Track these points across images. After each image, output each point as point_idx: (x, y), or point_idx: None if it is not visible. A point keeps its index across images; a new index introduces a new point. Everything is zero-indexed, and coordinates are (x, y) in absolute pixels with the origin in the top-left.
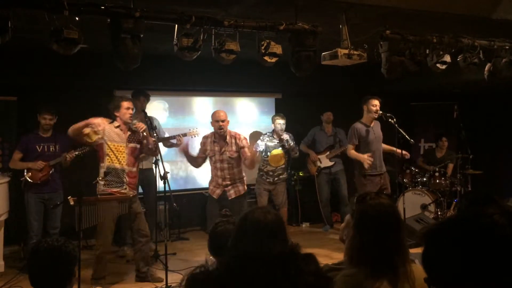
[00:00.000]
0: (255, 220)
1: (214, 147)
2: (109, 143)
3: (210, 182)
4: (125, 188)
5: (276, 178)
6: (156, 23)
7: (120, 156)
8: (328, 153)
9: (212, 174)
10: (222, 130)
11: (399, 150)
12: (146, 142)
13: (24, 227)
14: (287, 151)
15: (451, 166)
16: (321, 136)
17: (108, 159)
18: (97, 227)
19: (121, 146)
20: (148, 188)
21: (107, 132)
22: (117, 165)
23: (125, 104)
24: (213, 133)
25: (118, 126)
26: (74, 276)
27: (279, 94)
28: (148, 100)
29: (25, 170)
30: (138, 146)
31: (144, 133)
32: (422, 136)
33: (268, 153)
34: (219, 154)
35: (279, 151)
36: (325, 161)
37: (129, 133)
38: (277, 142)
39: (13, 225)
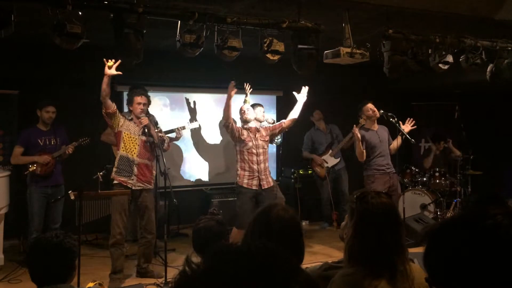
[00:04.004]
0: (279, 216)
1: (249, 133)
2: (125, 132)
3: (243, 176)
4: (133, 179)
5: None
6: (158, 19)
7: (132, 147)
8: (330, 151)
9: (245, 165)
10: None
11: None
12: (150, 137)
13: (24, 221)
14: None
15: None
16: (318, 136)
17: (122, 147)
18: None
19: (134, 138)
20: None
21: (126, 123)
22: (129, 155)
23: (137, 99)
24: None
25: (131, 119)
26: (74, 270)
27: (280, 92)
28: None
29: (28, 164)
30: (152, 139)
31: (145, 129)
32: (422, 136)
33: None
34: (255, 139)
35: None
36: (331, 160)
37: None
38: None
39: (13, 219)
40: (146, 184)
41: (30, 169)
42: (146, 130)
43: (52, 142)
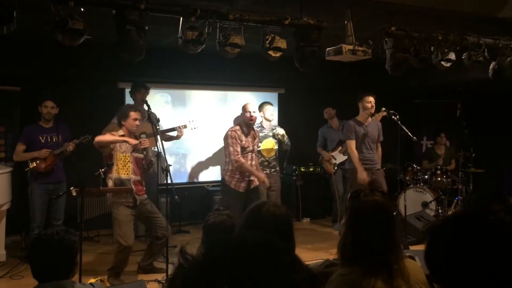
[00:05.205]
0: (270, 213)
1: (247, 138)
2: (118, 153)
3: (232, 176)
4: (133, 198)
5: (272, 170)
6: (160, 16)
7: (126, 166)
8: (340, 148)
9: (237, 169)
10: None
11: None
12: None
13: (26, 217)
14: (278, 141)
15: (453, 161)
16: (331, 133)
17: (116, 169)
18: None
19: (127, 156)
20: (150, 181)
21: (117, 144)
22: (123, 176)
23: (133, 114)
24: (239, 126)
25: (122, 135)
26: (76, 266)
27: (282, 89)
28: (148, 92)
29: (29, 160)
30: (142, 156)
31: (144, 152)
32: (424, 134)
33: (260, 144)
34: (252, 144)
35: (270, 140)
36: (339, 157)
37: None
38: (267, 132)
39: (15, 215)
40: (144, 195)
41: (31, 166)
42: (144, 152)
43: (54, 140)
